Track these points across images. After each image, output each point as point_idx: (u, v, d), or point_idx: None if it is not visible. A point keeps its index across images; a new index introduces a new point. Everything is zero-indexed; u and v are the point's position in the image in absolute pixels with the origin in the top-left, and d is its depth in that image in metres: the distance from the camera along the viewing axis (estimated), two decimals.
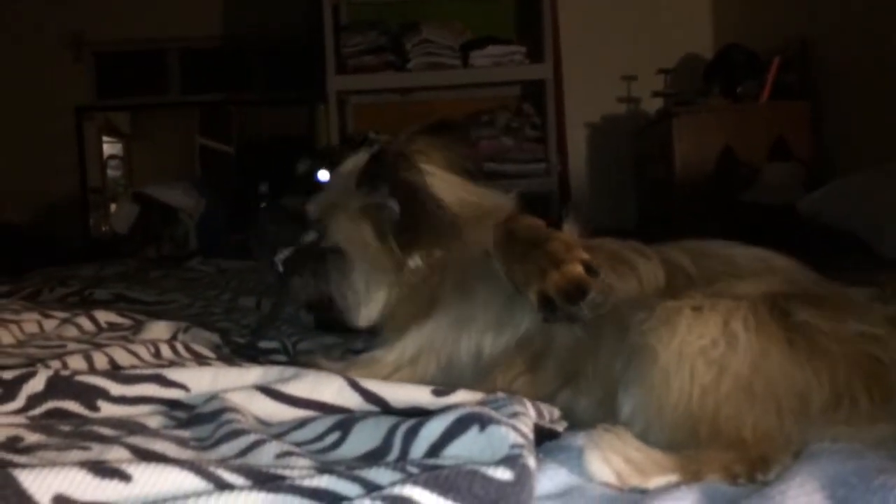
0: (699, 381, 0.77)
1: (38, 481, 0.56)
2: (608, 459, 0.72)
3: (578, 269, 0.91)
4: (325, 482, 0.60)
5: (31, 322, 1.38)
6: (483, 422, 0.68)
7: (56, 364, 1.00)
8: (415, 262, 1.08)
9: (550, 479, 0.73)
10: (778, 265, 0.94)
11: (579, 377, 0.93)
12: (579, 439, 0.81)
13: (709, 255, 0.96)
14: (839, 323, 0.81)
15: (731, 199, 3.06)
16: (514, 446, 0.63)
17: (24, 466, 0.58)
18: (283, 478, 0.62)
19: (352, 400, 0.86)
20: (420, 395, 0.87)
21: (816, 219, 2.29)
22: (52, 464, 0.59)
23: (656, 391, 0.78)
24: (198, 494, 0.56)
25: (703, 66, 4.00)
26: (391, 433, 0.75)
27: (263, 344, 1.34)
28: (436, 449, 0.70)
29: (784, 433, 0.76)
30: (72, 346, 1.19)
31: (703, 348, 0.78)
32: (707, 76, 3.88)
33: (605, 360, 0.90)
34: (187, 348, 1.18)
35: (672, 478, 0.72)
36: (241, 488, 0.58)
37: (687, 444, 0.76)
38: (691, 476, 0.72)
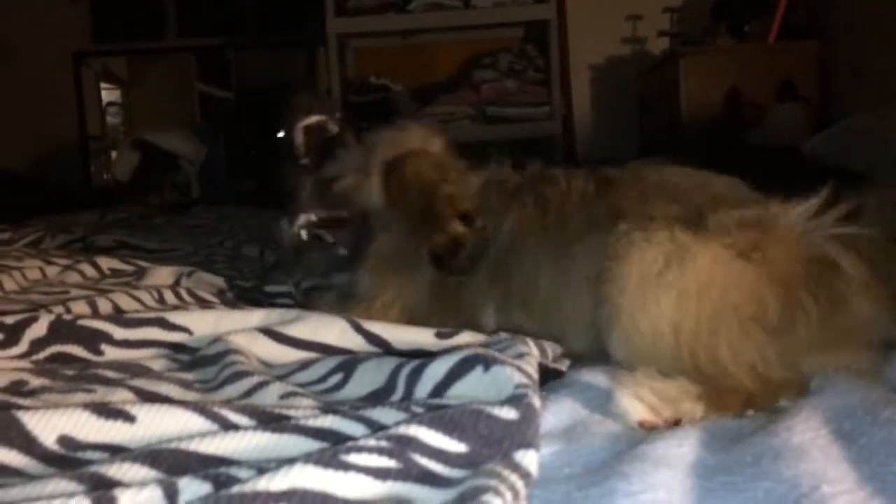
0: (666, 318, 0.78)
1: (42, 422, 0.56)
2: (639, 395, 0.73)
3: (457, 226, 1.01)
4: (329, 422, 0.60)
5: (33, 269, 1.37)
6: (487, 362, 0.68)
7: (59, 310, 1.00)
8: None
9: (554, 415, 0.73)
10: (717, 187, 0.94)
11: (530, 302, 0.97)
12: (583, 375, 0.82)
13: (643, 176, 0.97)
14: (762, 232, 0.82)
15: (737, 141, 3.01)
16: (518, 386, 0.62)
17: (28, 409, 0.58)
18: (287, 418, 0.62)
19: (354, 341, 0.86)
20: (423, 337, 0.87)
21: (822, 160, 2.25)
22: (57, 406, 0.59)
23: (632, 339, 0.80)
24: (202, 434, 0.56)
25: (709, 4, 3.91)
26: (394, 374, 0.75)
27: (269, 288, 1.33)
28: (440, 389, 0.70)
29: (760, 358, 0.77)
30: (75, 292, 1.19)
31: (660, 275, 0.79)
32: (714, 15, 3.79)
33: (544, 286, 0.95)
34: (190, 293, 1.18)
35: (699, 406, 0.73)
36: (246, 428, 0.58)
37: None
38: (715, 406, 0.74)
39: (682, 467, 0.61)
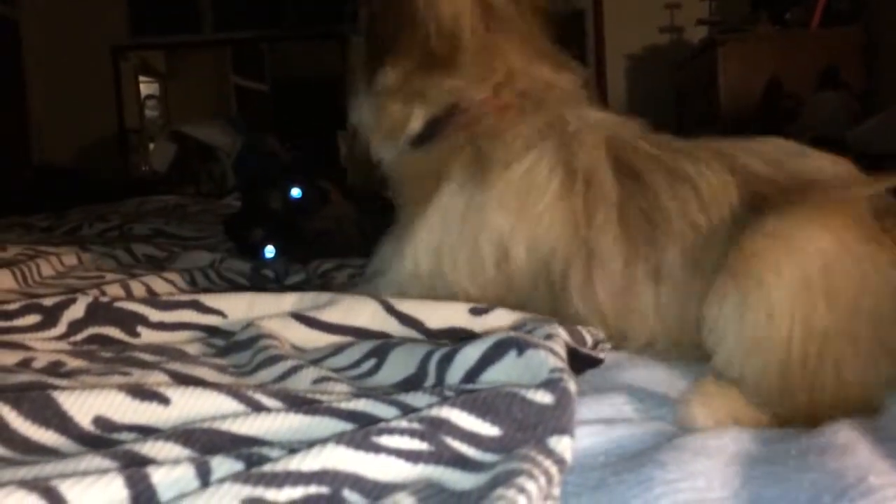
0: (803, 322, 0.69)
1: (78, 403, 0.56)
2: (712, 407, 0.69)
3: None
4: (362, 405, 0.59)
5: (69, 255, 1.39)
6: (521, 346, 0.66)
7: (95, 293, 1.01)
8: (386, 77, 0.96)
9: (595, 403, 0.71)
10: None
11: None
12: (627, 365, 0.80)
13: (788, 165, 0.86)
14: None
15: (777, 131, 2.95)
16: (553, 370, 0.61)
17: (64, 389, 0.58)
18: (320, 402, 0.61)
19: (387, 324, 0.85)
20: (456, 316, 0.86)
21: (867, 149, 2.20)
22: (93, 387, 0.59)
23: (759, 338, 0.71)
24: (235, 415, 0.55)
25: None
26: (425, 361, 0.74)
27: (289, 280, 1.33)
28: (472, 375, 0.69)
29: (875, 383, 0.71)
30: (110, 276, 1.21)
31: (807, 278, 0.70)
32: (754, 2, 3.72)
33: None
34: (221, 276, 1.18)
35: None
36: (279, 410, 0.57)
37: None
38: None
39: (723, 457, 0.59)
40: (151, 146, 5.13)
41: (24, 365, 0.75)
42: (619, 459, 0.60)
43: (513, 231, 0.91)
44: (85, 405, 0.57)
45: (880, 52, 3.33)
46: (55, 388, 0.63)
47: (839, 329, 0.70)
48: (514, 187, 0.91)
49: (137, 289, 1.06)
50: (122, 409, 0.57)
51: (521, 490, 0.44)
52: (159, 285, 1.09)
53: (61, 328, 0.87)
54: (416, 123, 0.97)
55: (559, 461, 0.51)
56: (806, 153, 0.87)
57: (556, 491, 0.50)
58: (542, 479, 0.47)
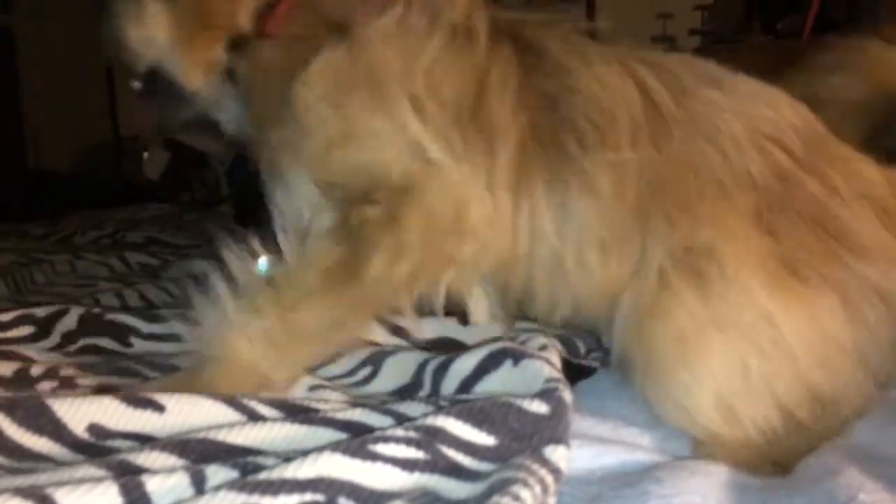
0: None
1: (72, 410, 0.56)
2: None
3: None
4: (357, 415, 0.59)
5: (63, 262, 1.39)
6: (516, 356, 0.67)
7: (88, 302, 1.01)
8: None
9: (591, 415, 0.71)
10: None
11: None
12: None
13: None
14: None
15: None
16: (548, 380, 0.61)
17: (58, 396, 0.58)
18: (315, 410, 0.61)
19: (376, 334, 0.85)
20: (449, 329, 0.85)
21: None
22: (86, 395, 0.59)
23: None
24: (231, 425, 0.55)
25: (742, 1, 3.86)
26: (421, 369, 0.74)
27: None
28: (468, 385, 0.69)
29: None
30: (102, 284, 1.20)
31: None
32: (747, 12, 3.74)
33: None
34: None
35: None
36: (274, 420, 0.57)
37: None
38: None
39: (718, 479, 0.60)
40: (145, 154, 5.12)
41: (22, 374, 0.75)
42: (616, 475, 0.60)
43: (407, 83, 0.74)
44: (79, 412, 0.56)
45: None
46: (49, 394, 0.63)
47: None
48: (392, 43, 0.75)
49: (131, 297, 1.06)
50: (117, 416, 0.57)
51: (516, 498, 0.44)
52: (153, 293, 1.09)
53: (55, 339, 0.87)
54: (243, 16, 0.78)
55: (554, 470, 0.51)
56: (723, 83, 0.77)
57: (552, 500, 0.50)
58: (538, 488, 0.47)
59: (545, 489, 0.49)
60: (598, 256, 0.73)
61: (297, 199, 0.77)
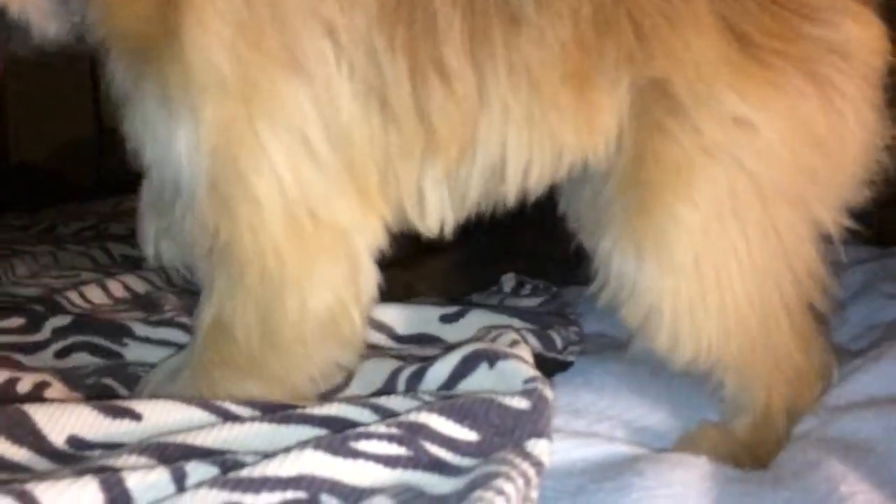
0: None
1: (52, 421, 0.56)
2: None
3: None
4: (335, 410, 0.59)
5: (45, 254, 1.37)
6: (491, 358, 0.66)
7: (73, 294, 1.00)
8: None
9: (570, 408, 0.72)
10: None
11: None
12: (598, 367, 0.79)
13: None
14: None
15: None
16: (528, 380, 0.61)
17: (39, 404, 0.57)
18: (293, 407, 0.61)
19: None
20: (427, 323, 0.85)
21: None
22: (66, 403, 0.59)
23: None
24: (209, 426, 0.55)
25: None
26: (394, 376, 0.73)
27: None
28: (445, 389, 0.68)
29: None
30: (86, 275, 1.19)
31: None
32: None
33: None
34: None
35: None
36: (252, 419, 0.57)
37: None
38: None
39: (699, 472, 0.60)
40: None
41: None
42: (598, 467, 0.60)
43: None
44: (59, 424, 0.56)
45: None
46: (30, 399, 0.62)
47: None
48: None
49: (115, 287, 1.05)
50: (95, 427, 0.57)
51: (500, 492, 0.44)
52: (136, 283, 1.08)
53: (45, 334, 0.85)
54: None
55: (537, 464, 0.52)
56: None
57: (535, 493, 0.50)
58: (520, 481, 0.48)
59: (528, 482, 0.49)
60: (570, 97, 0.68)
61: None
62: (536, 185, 0.71)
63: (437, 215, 0.71)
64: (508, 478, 0.47)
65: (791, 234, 0.67)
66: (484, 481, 0.46)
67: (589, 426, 0.69)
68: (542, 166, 0.70)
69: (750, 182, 0.65)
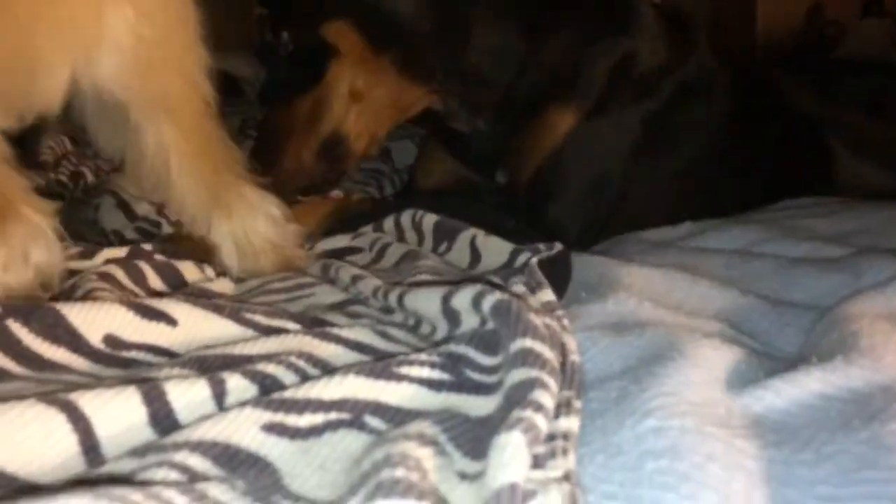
0: None
1: (87, 321, 0.56)
2: None
3: None
4: (362, 336, 0.58)
5: None
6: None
7: None
8: None
9: (598, 309, 0.69)
10: None
11: None
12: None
13: None
14: None
15: (819, 60, 2.83)
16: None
17: (73, 305, 0.57)
18: (330, 324, 0.61)
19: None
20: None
21: None
22: (101, 303, 0.59)
23: None
24: (245, 340, 0.55)
25: None
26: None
27: None
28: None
29: None
30: None
31: None
32: None
33: None
34: None
35: None
36: (293, 332, 0.57)
37: None
38: None
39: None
40: None
41: None
42: (638, 363, 0.56)
43: None
44: (94, 323, 0.56)
45: None
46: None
47: None
48: None
49: None
50: (132, 327, 0.57)
51: (538, 407, 0.42)
52: None
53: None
54: None
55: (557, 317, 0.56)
56: None
57: (578, 403, 0.47)
58: (552, 383, 0.45)
59: (561, 376, 0.47)
60: None
61: None
62: None
63: None
64: (543, 385, 0.44)
65: None
66: (519, 394, 0.44)
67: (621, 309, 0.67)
68: None
69: None
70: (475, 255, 0.81)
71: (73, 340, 0.55)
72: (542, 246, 0.76)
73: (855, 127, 1.29)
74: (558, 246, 0.76)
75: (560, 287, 0.70)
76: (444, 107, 1.16)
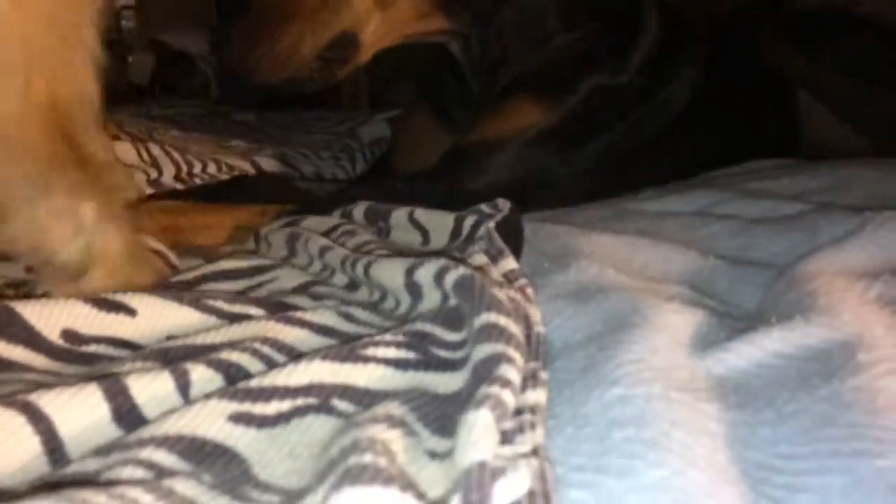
0: None
1: (44, 317, 0.55)
2: None
3: None
4: (325, 318, 0.58)
5: None
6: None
7: None
8: None
9: (562, 277, 0.69)
10: None
11: None
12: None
13: None
14: None
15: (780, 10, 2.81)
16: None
17: (26, 303, 0.56)
18: (293, 308, 0.60)
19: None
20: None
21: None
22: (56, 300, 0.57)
23: None
24: (207, 329, 0.54)
25: None
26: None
27: None
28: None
29: None
30: None
31: None
32: None
33: None
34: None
35: None
36: (257, 318, 0.56)
37: None
38: None
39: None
40: (130, 59, 4.96)
41: None
42: (603, 330, 0.56)
43: None
44: (51, 318, 0.55)
45: None
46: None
47: None
48: None
49: None
50: (89, 320, 0.56)
51: (506, 383, 0.42)
52: None
53: None
54: None
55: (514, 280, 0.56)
56: None
57: (544, 375, 0.47)
58: (518, 357, 0.45)
59: (517, 344, 0.46)
60: None
61: None
62: None
63: None
64: (509, 360, 0.44)
65: None
66: (485, 370, 0.44)
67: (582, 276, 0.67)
68: None
69: None
70: (423, 232, 0.78)
71: (31, 338, 0.53)
72: (485, 207, 0.75)
73: (834, 89, 1.29)
74: (502, 203, 0.74)
75: (516, 247, 0.69)
76: (460, 50, 1.15)
